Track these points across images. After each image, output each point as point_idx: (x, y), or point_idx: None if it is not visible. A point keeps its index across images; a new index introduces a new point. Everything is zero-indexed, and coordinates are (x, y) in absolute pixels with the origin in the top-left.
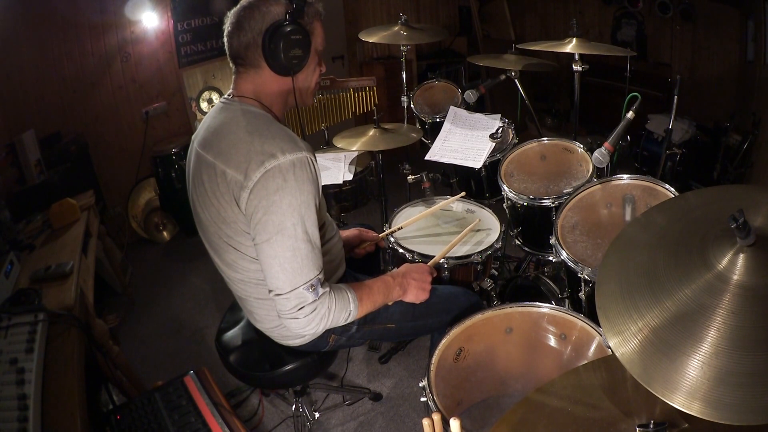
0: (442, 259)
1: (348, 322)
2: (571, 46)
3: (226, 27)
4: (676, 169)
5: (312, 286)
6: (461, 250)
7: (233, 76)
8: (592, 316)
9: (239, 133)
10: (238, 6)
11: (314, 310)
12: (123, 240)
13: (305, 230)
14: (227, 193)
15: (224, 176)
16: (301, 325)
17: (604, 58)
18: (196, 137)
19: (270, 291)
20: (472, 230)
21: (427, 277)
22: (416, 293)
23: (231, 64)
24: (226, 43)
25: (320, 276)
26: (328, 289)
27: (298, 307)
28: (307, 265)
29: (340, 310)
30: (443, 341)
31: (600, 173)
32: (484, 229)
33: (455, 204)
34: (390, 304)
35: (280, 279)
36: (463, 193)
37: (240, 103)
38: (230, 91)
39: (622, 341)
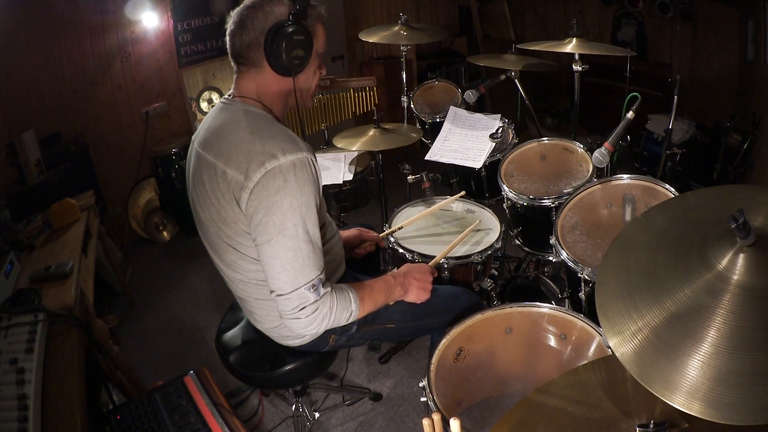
0: (443, 259)
1: (349, 322)
2: (571, 46)
3: (229, 26)
4: (676, 169)
5: (313, 286)
6: (461, 250)
7: (234, 76)
8: (592, 316)
9: (240, 133)
10: (242, 6)
11: (316, 310)
12: (123, 240)
13: (306, 230)
14: (228, 193)
15: (225, 176)
16: (303, 325)
17: (604, 58)
18: (197, 137)
19: (272, 291)
20: (472, 231)
21: (428, 277)
22: (417, 293)
23: (232, 64)
24: (228, 42)
25: (321, 276)
26: (329, 289)
27: (299, 307)
28: (308, 265)
29: (342, 309)
30: (443, 341)
31: (600, 173)
32: (484, 229)
33: (455, 204)
34: (391, 304)
35: (282, 279)
36: (462, 193)
37: (241, 103)
38: (231, 91)
39: (622, 341)
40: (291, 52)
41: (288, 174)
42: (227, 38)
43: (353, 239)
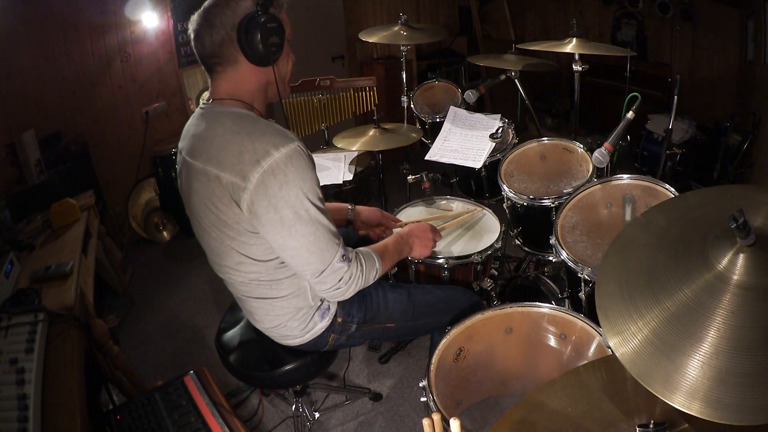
0: (442, 259)
1: (376, 280)
2: (571, 46)
3: (193, 30)
4: (676, 169)
5: (342, 255)
6: (461, 250)
7: (209, 80)
8: (592, 316)
9: (226, 135)
10: (204, 7)
11: (351, 276)
12: (123, 240)
13: (317, 209)
14: (225, 196)
15: (219, 181)
16: (342, 292)
17: (604, 58)
18: (183, 147)
19: (307, 278)
20: (473, 215)
21: (429, 234)
22: (420, 250)
23: (205, 68)
24: (195, 46)
25: (340, 242)
26: (353, 252)
27: (337, 279)
28: (330, 239)
29: (370, 269)
30: (443, 341)
31: (600, 173)
32: (479, 218)
33: (455, 204)
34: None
35: (313, 263)
36: (474, 209)
37: (219, 105)
38: (207, 96)
39: (622, 341)
40: (267, 41)
41: (287, 167)
42: (193, 42)
43: (373, 218)
